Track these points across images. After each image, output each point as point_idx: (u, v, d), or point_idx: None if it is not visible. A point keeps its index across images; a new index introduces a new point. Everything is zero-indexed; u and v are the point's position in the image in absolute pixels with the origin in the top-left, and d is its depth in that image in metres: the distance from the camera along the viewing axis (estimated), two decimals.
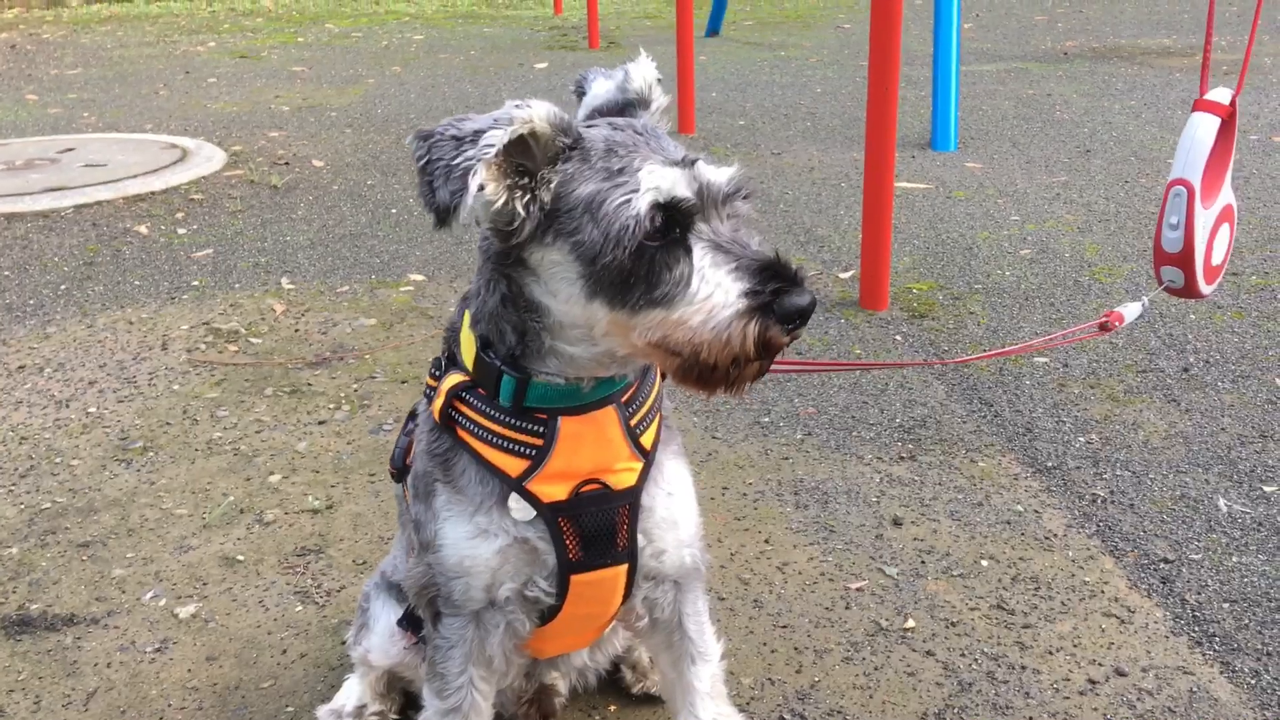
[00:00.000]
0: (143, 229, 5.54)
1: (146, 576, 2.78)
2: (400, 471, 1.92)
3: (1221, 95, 2.68)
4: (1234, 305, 4.34)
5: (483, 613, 1.76)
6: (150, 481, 3.21)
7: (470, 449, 1.68)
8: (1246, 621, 2.57)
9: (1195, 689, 2.36)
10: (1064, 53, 10.38)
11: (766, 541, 2.93)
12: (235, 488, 3.17)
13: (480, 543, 1.69)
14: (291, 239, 5.38)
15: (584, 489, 1.68)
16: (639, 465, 1.73)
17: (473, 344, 1.68)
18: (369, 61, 10.75)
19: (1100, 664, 2.44)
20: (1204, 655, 2.47)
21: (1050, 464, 3.28)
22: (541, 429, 1.65)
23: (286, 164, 6.78)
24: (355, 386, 3.78)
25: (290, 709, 2.33)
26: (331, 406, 3.64)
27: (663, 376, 1.78)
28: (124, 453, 3.38)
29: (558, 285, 1.55)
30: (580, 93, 1.80)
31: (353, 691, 2.25)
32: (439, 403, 1.70)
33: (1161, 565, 2.79)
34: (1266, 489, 3.09)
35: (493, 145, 1.42)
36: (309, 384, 3.81)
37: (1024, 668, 2.44)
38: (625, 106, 1.70)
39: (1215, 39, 10.62)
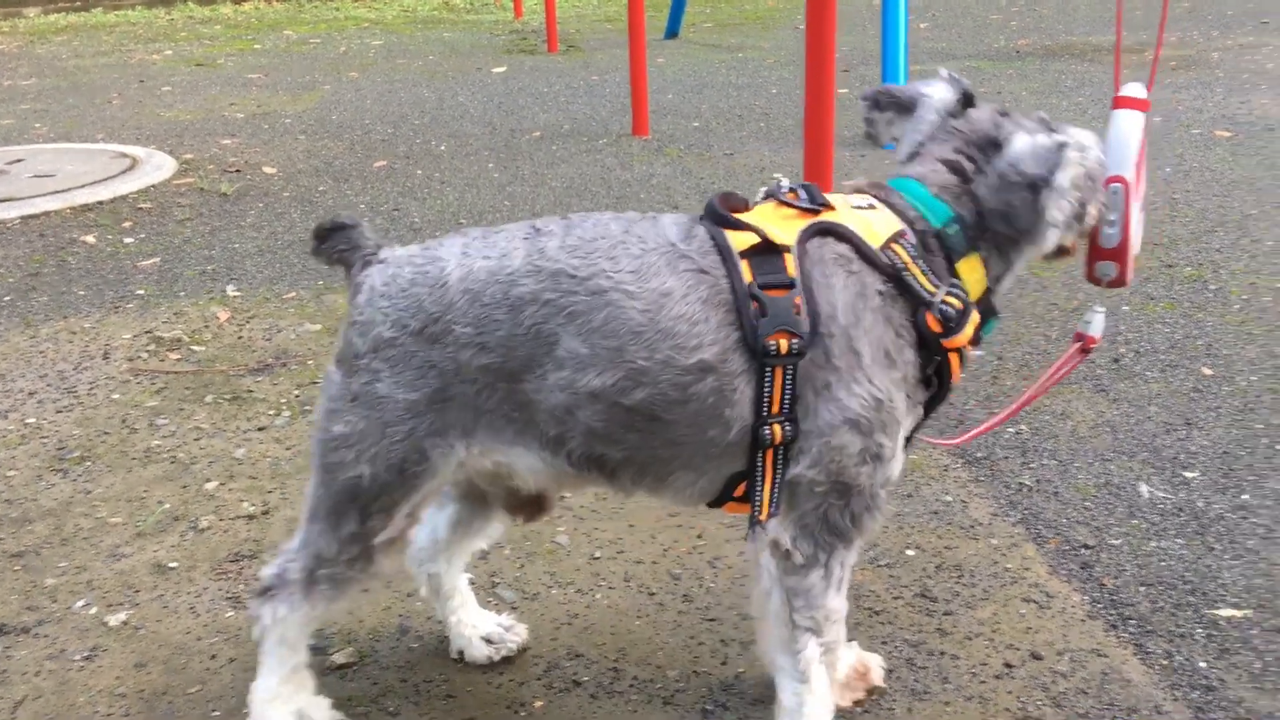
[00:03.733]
0: (89, 239, 5.53)
1: (78, 585, 2.79)
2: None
3: (1137, 90, 2.74)
4: (1167, 296, 4.42)
5: None
6: (86, 491, 3.22)
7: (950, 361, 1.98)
8: (1161, 604, 2.63)
9: (1108, 671, 2.42)
10: (1017, 51, 10.50)
11: (699, 536, 2.97)
12: (171, 495, 3.18)
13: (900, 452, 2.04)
14: (240, 246, 5.38)
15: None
16: None
17: (983, 283, 2.01)
18: (326, 68, 10.74)
19: (1017, 648, 2.50)
20: (1118, 638, 2.53)
21: (980, 454, 3.34)
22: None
23: (237, 171, 6.78)
24: (297, 392, 3.80)
25: (217, 713, 2.35)
26: (272, 413, 3.66)
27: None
28: (61, 463, 3.38)
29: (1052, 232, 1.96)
30: (895, 104, 2.17)
31: None
32: (967, 335, 1.95)
33: (1082, 551, 2.85)
34: (1188, 475, 3.16)
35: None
36: (250, 390, 3.82)
37: (943, 654, 2.49)
38: (967, 96, 2.14)
39: (1165, 34, 10.76)
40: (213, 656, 2.53)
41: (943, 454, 3.34)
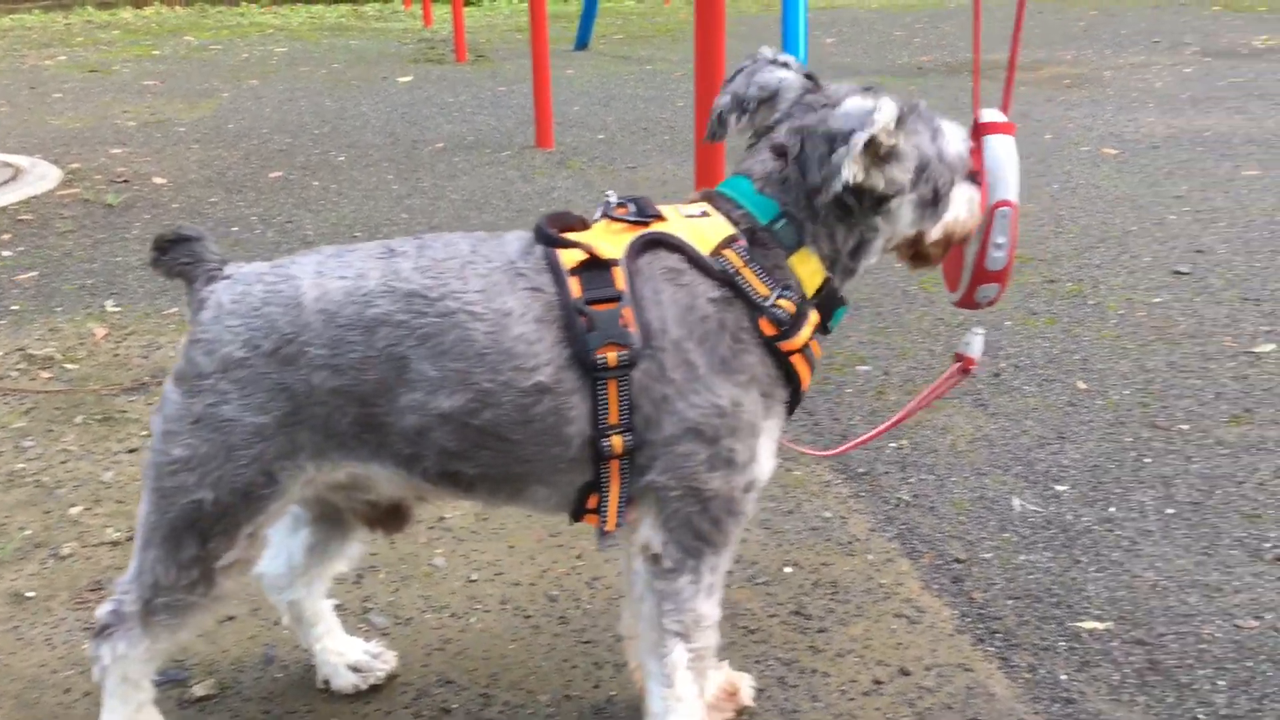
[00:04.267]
0: None
1: None
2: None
3: (997, 114, 2.79)
4: (1048, 311, 4.53)
5: None
6: None
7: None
8: (1027, 618, 2.68)
9: (973, 685, 2.45)
10: (919, 67, 10.71)
11: (579, 557, 2.95)
12: (33, 521, 3.07)
13: (771, 453, 2.06)
14: (123, 259, 5.24)
15: None
16: None
17: (820, 275, 2.00)
18: (225, 75, 10.53)
19: (887, 664, 2.52)
20: (984, 652, 2.57)
21: (861, 470, 3.38)
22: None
23: (125, 181, 6.60)
24: None
25: None
26: (144, 434, 3.55)
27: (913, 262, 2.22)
28: None
29: (900, 223, 2.04)
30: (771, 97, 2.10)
31: None
32: (804, 336, 1.96)
33: (954, 565, 2.89)
34: (1058, 488, 3.23)
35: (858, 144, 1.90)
36: (123, 411, 3.71)
37: (814, 671, 2.51)
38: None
39: (1061, 53, 11.08)
40: (67, 690, 2.44)
41: (825, 470, 3.37)
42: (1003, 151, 2.69)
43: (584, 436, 1.91)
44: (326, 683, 2.42)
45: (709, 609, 2.04)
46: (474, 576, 2.85)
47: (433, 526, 3.07)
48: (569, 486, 1.99)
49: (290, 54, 11.97)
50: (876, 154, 1.94)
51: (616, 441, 1.90)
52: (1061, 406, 3.73)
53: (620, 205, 2.00)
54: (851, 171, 1.88)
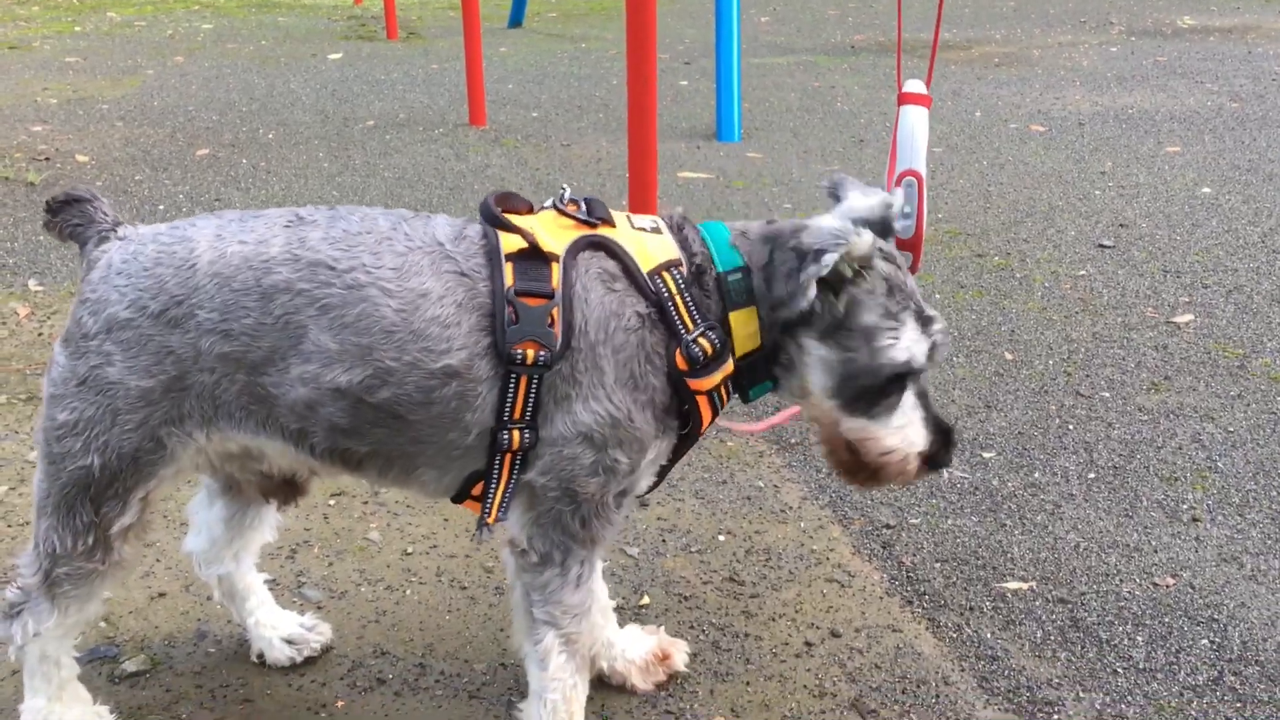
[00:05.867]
0: None
1: None
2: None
3: (918, 86, 2.84)
4: (976, 284, 4.61)
5: None
6: None
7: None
8: (954, 580, 2.75)
9: (902, 645, 2.51)
10: (852, 46, 10.78)
11: None
12: None
13: (650, 469, 2.06)
14: (45, 239, 5.11)
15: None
16: None
17: (755, 341, 1.97)
18: (150, 52, 10.29)
19: (818, 627, 2.57)
20: (913, 613, 2.63)
21: (794, 440, 3.42)
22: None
23: (47, 160, 6.44)
24: None
25: None
26: None
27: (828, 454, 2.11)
28: None
29: (814, 374, 1.97)
30: (834, 195, 2.08)
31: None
32: (712, 382, 1.94)
33: (884, 531, 2.95)
34: (985, 455, 3.31)
35: (827, 265, 1.83)
36: None
37: (747, 635, 2.55)
38: (882, 225, 1.99)
39: (991, 32, 11.23)
40: None
41: (758, 441, 3.41)
42: (914, 121, 2.74)
43: (484, 427, 1.89)
44: (261, 656, 2.41)
45: (577, 599, 2.01)
46: (409, 549, 2.85)
47: (367, 501, 3.05)
48: (459, 473, 1.98)
49: (217, 30, 11.72)
50: (842, 277, 1.89)
51: (515, 436, 1.89)
52: (989, 376, 3.81)
53: (572, 201, 1.98)
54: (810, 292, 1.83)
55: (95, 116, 7.58)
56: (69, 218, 1.96)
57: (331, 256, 1.85)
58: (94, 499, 1.92)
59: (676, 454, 2.07)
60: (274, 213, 1.93)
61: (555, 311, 1.85)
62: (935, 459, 2.00)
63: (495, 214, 1.93)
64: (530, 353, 1.84)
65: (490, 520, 1.94)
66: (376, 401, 1.87)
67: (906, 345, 1.91)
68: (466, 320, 1.86)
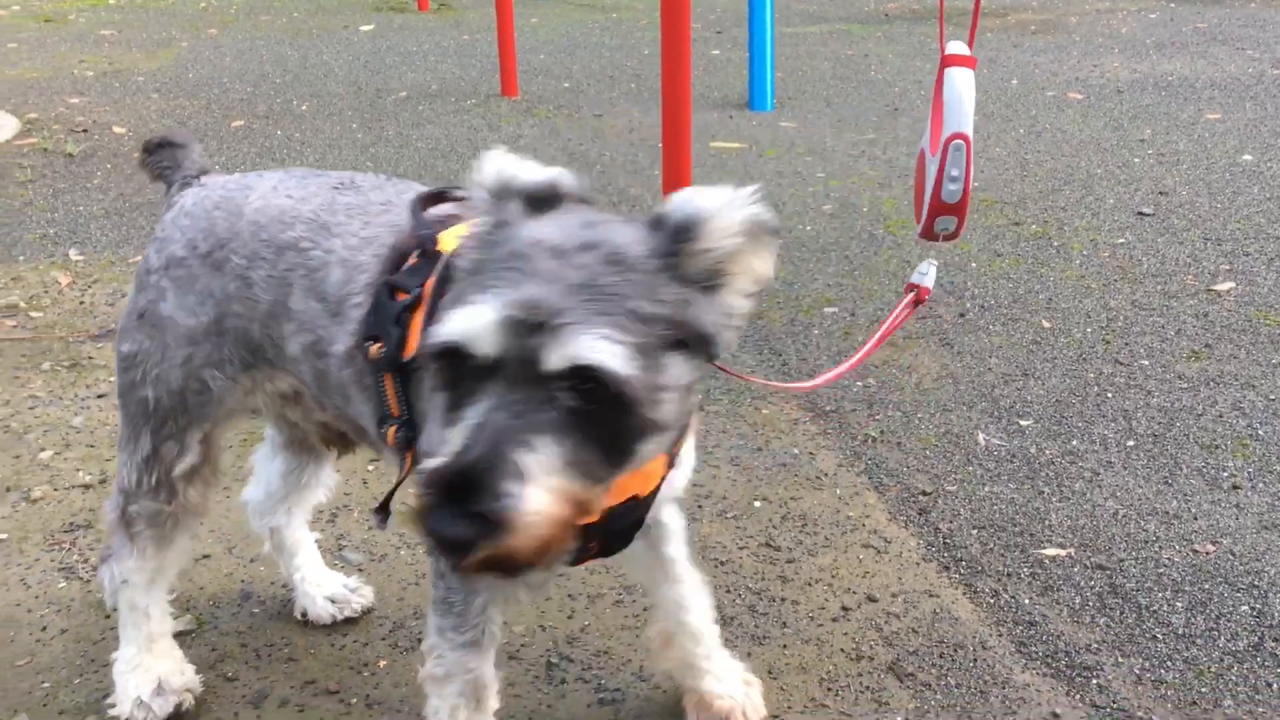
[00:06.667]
0: None
1: None
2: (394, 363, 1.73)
3: (961, 48, 2.81)
4: (1013, 253, 4.57)
5: None
6: None
7: None
8: (991, 546, 2.74)
9: (939, 610, 2.51)
10: (885, 14, 10.67)
11: None
12: (3, 466, 3.06)
13: None
14: (85, 209, 5.17)
15: (617, 508, 1.57)
16: (665, 464, 1.66)
17: None
18: (183, 24, 10.34)
19: (854, 592, 2.58)
20: (950, 579, 2.63)
21: (829, 408, 3.42)
22: None
23: (85, 131, 6.49)
24: None
25: (46, 684, 2.28)
26: (112, 379, 3.51)
27: None
28: None
29: None
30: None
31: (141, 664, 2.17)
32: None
33: (920, 498, 2.95)
34: (1022, 423, 3.29)
35: None
36: (90, 357, 3.68)
37: (784, 600, 2.55)
38: (684, 233, 1.41)
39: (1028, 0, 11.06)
40: (44, 628, 2.44)
41: (793, 408, 3.41)
42: (961, 84, 2.70)
43: (376, 416, 1.78)
44: (304, 613, 2.45)
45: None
46: None
47: None
48: (393, 457, 1.84)
49: (249, 3, 11.75)
50: None
51: (390, 432, 1.75)
52: (1026, 344, 3.78)
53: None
54: None
55: (131, 89, 7.64)
56: (160, 159, 2.06)
57: (336, 222, 1.85)
58: (154, 433, 1.98)
59: None
60: (334, 175, 1.96)
61: (418, 312, 1.68)
62: (432, 516, 1.27)
63: (415, 205, 1.77)
64: (375, 349, 1.70)
65: (374, 510, 1.80)
66: (323, 369, 1.83)
67: (444, 326, 1.34)
68: (366, 303, 1.75)
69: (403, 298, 1.68)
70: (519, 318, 1.28)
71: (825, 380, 2.20)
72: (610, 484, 1.37)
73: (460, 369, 1.32)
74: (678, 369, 1.37)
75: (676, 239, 1.38)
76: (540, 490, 1.25)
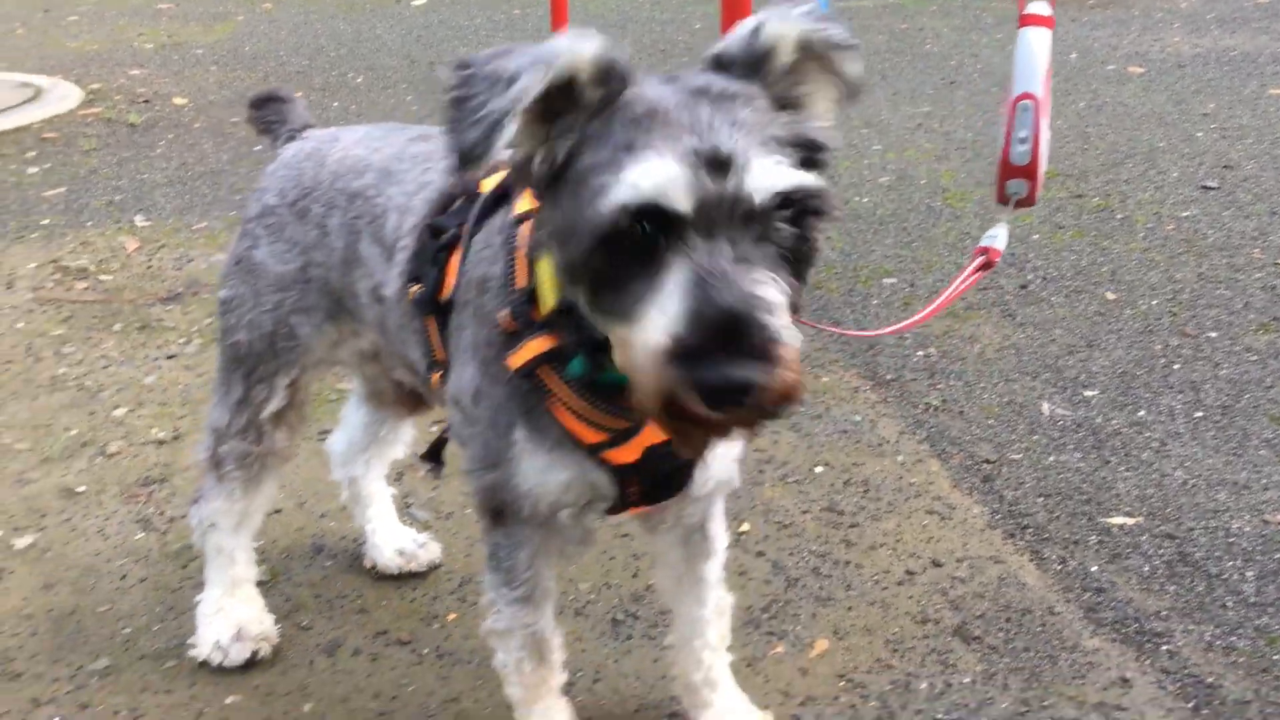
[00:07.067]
0: None
1: None
2: (433, 304, 1.70)
3: (1042, 8, 2.76)
4: (1075, 225, 4.52)
5: (548, 520, 1.71)
6: None
7: (552, 406, 1.55)
8: (1058, 514, 2.73)
9: (1005, 576, 2.51)
10: None
11: None
12: (79, 422, 3.13)
13: (551, 474, 1.61)
14: (148, 177, 5.25)
15: (658, 448, 1.57)
16: None
17: (555, 293, 1.47)
18: None
19: (919, 557, 2.58)
20: (1015, 546, 2.62)
21: (890, 377, 3.41)
22: (630, 414, 1.49)
23: (146, 102, 6.58)
24: (208, 320, 3.74)
25: (127, 631, 2.34)
26: (182, 341, 3.60)
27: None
28: None
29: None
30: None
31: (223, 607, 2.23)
32: (520, 359, 1.51)
33: (984, 466, 2.93)
34: (1087, 393, 3.26)
35: (526, 93, 1.24)
36: (159, 319, 3.75)
37: (848, 563, 2.56)
38: (754, 64, 1.37)
39: None
40: (122, 577, 2.51)
41: (853, 376, 3.40)
42: (1034, 41, 2.65)
43: (425, 361, 1.78)
44: (374, 565, 2.49)
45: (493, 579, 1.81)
46: None
47: None
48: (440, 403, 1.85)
49: None
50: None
51: (434, 378, 1.74)
52: (1090, 316, 3.74)
53: None
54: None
55: (190, 61, 7.73)
56: (266, 114, 2.12)
57: (400, 170, 1.86)
58: (245, 376, 2.03)
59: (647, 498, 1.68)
60: (415, 128, 1.99)
61: (455, 252, 1.66)
62: (696, 369, 1.20)
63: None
64: (414, 290, 1.69)
65: (422, 456, 1.84)
66: (384, 315, 1.84)
67: (625, 185, 1.24)
68: (411, 247, 1.75)
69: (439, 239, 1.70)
70: (710, 160, 1.23)
71: (895, 329, 2.15)
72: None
73: (635, 237, 1.24)
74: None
75: (750, 71, 1.35)
76: (790, 322, 1.24)
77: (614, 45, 1.31)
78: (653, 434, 1.53)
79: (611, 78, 1.31)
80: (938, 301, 2.12)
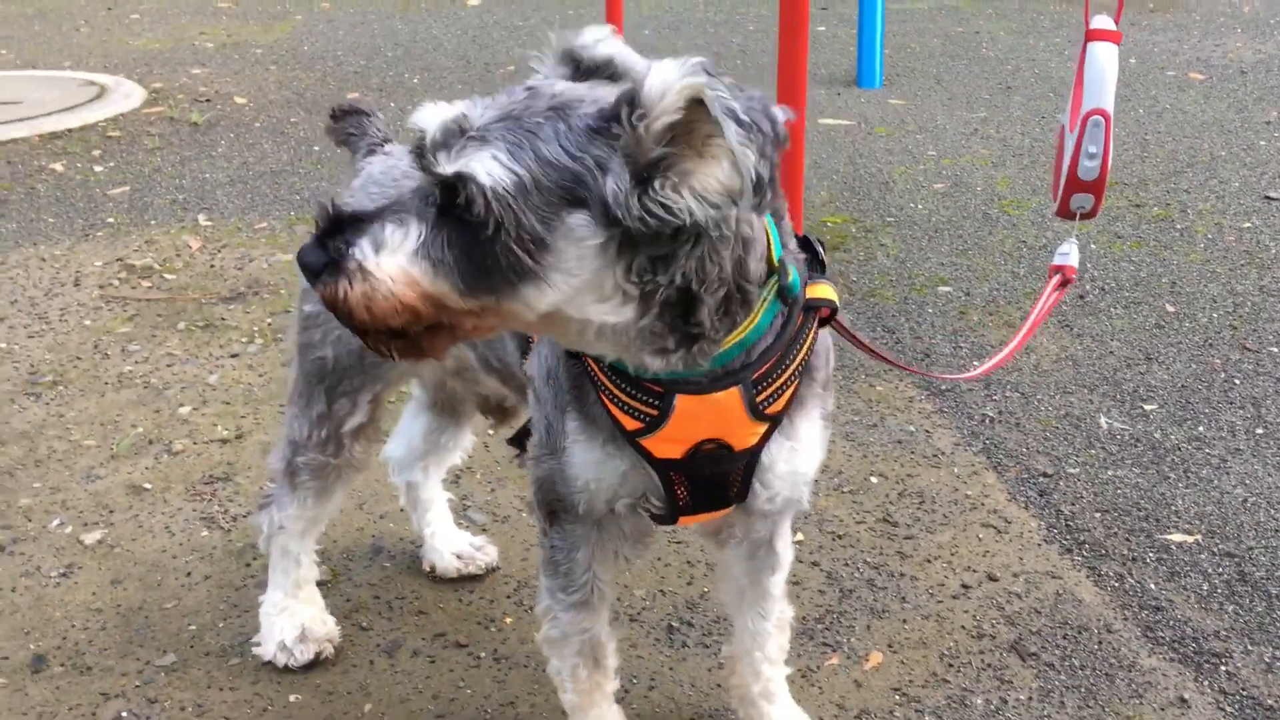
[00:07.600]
0: (58, 166, 5.47)
1: (53, 505, 2.82)
2: None
3: (1107, 22, 2.74)
4: (1134, 235, 4.48)
5: (603, 519, 1.74)
6: (59, 414, 3.23)
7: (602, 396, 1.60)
8: (1115, 530, 2.71)
9: (1061, 592, 2.50)
10: None
11: None
12: (145, 419, 3.20)
13: (605, 467, 1.65)
14: (211, 176, 5.34)
15: (703, 448, 1.60)
16: (763, 428, 1.62)
17: None
18: None
19: (974, 570, 2.57)
20: (1073, 561, 2.60)
21: (944, 387, 3.40)
22: (657, 402, 1.55)
23: (208, 101, 6.69)
24: (270, 320, 3.80)
25: (193, 627, 2.40)
26: (244, 340, 3.67)
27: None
28: (33, 386, 3.38)
29: None
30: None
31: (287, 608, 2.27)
32: None
33: (1040, 479, 2.92)
34: (1146, 407, 3.23)
35: None
36: (223, 318, 3.82)
37: (903, 575, 2.56)
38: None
39: None
40: (188, 574, 2.56)
41: (908, 386, 3.39)
42: (1104, 58, 2.63)
43: (519, 353, 1.78)
44: (432, 568, 2.53)
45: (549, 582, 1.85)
46: None
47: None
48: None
49: None
50: None
51: (527, 363, 1.75)
52: (1149, 328, 3.71)
53: None
54: None
55: (250, 60, 7.84)
56: (346, 126, 2.13)
57: None
58: (328, 391, 2.06)
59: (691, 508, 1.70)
60: None
61: None
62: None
63: None
64: None
65: (509, 441, 1.87)
66: None
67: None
68: None
69: None
70: (447, 123, 1.37)
71: (984, 371, 2.10)
72: (480, 305, 1.39)
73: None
74: (581, 230, 1.34)
75: (618, 106, 1.34)
76: (392, 260, 1.36)
77: None
78: (684, 428, 1.57)
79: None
80: (1024, 330, 2.08)
